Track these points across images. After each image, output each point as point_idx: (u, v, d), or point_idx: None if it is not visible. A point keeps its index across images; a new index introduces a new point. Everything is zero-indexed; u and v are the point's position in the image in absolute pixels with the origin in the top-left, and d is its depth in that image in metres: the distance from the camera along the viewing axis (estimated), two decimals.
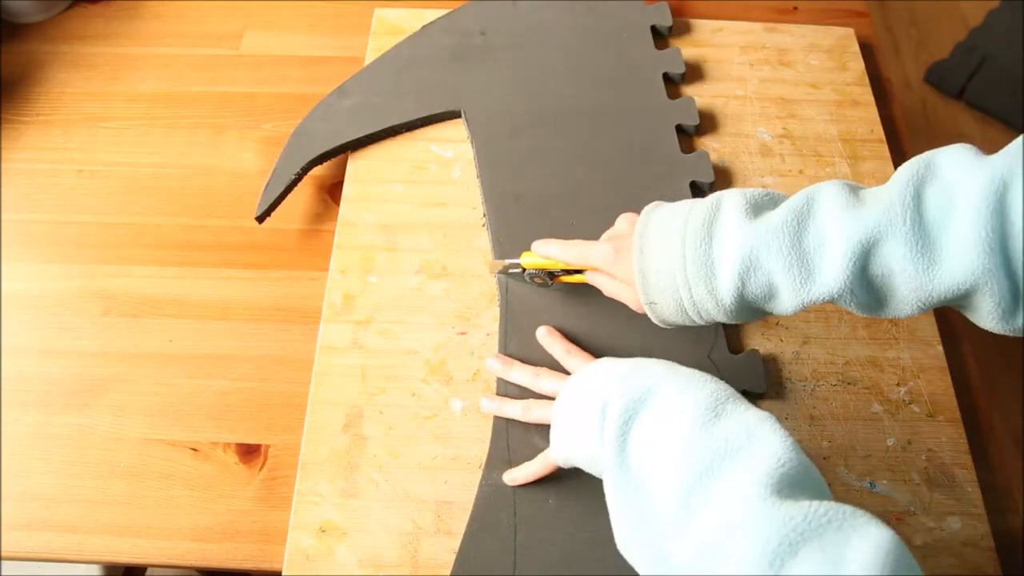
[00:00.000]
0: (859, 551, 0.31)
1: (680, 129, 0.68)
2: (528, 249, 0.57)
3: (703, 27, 0.76)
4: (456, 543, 0.50)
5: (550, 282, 0.58)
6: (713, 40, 0.75)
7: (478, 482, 0.52)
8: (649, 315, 0.50)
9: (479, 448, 0.54)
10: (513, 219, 0.62)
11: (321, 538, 0.51)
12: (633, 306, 0.52)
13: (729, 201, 0.45)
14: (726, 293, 0.44)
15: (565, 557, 0.50)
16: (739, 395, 0.41)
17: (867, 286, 0.41)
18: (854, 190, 0.43)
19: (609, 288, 0.53)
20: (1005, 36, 1.52)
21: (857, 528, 0.32)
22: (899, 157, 0.69)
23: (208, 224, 0.66)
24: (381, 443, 0.54)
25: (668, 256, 0.46)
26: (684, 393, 0.40)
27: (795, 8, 0.80)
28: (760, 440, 0.37)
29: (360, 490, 0.52)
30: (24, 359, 0.59)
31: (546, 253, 0.55)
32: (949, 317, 0.62)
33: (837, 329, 0.60)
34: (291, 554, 0.51)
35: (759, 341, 0.59)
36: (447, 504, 0.52)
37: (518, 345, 0.57)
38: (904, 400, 0.57)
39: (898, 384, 0.58)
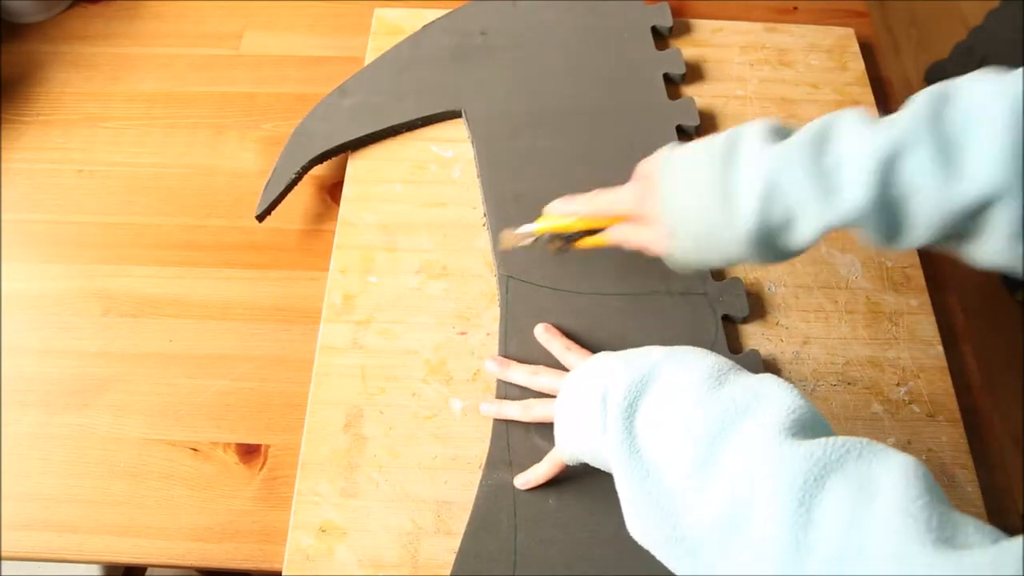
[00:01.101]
0: (886, 476, 0.31)
1: (680, 130, 0.68)
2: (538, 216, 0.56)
3: (703, 27, 0.76)
4: (456, 543, 0.50)
5: (568, 247, 0.56)
6: (713, 40, 0.75)
7: (478, 482, 0.52)
8: (668, 252, 0.48)
9: (479, 448, 0.54)
10: (513, 219, 0.62)
11: (321, 538, 0.51)
12: (656, 249, 0.50)
13: (750, 128, 0.45)
14: (747, 218, 0.43)
15: (565, 557, 0.50)
16: (739, 366, 0.41)
17: (888, 206, 0.40)
18: (873, 117, 0.42)
19: (632, 237, 0.51)
20: (1005, 36, 1.52)
21: (877, 454, 0.33)
22: None
23: (208, 224, 0.66)
24: (381, 443, 0.54)
25: (693, 181, 0.45)
26: (684, 369, 0.40)
27: (795, 8, 0.80)
28: (766, 395, 0.37)
29: (360, 490, 0.52)
30: (24, 359, 0.59)
31: (569, 210, 0.53)
32: (949, 317, 0.62)
33: (837, 329, 0.60)
34: (291, 554, 0.51)
35: (759, 341, 0.59)
36: (447, 504, 0.52)
37: (518, 345, 0.57)
38: (904, 400, 0.57)
39: (898, 384, 0.58)
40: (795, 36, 0.76)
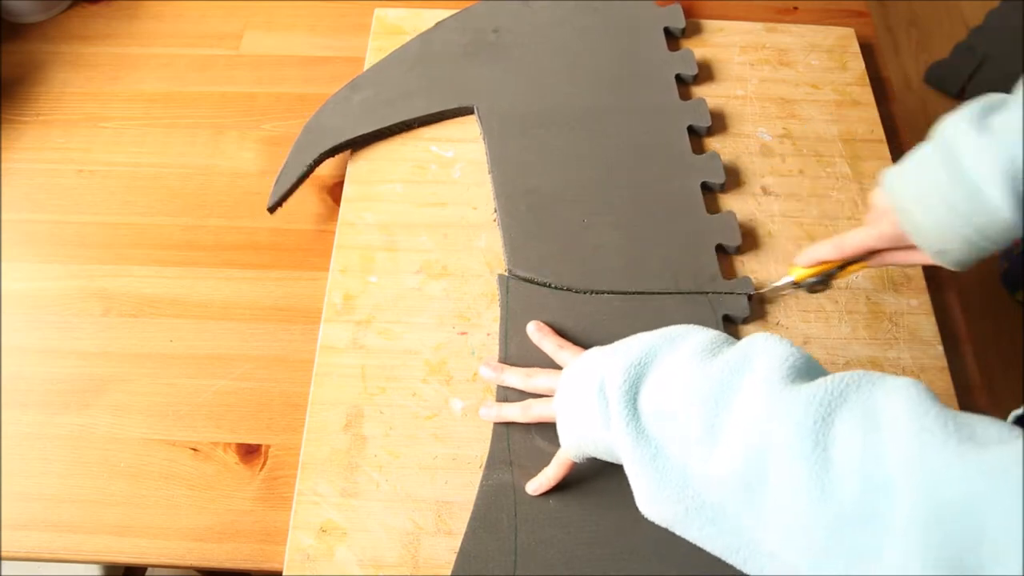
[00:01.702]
0: (890, 399, 0.32)
1: (691, 130, 0.68)
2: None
3: (703, 27, 0.76)
4: (456, 543, 0.50)
5: (831, 284, 0.56)
6: (713, 40, 0.75)
7: (478, 482, 0.52)
8: (945, 264, 0.49)
9: (479, 448, 0.54)
10: (524, 215, 0.62)
11: (321, 538, 0.51)
12: (934, 262, 0.49)
13: (958, 124, 0.45)
14: (1006, 205, 0.43)
15: (566, 557, 0.50)
16: (732, 338, 0.42)
17: None
18: None
19: (902, 259, 0.52)
20: (1005, 36, 1.52)
21: (875, 383, 0.34)
22: (899, 157, 0.69)
23: (208, 224, 0.66)
24: (381, 443, 0.54)
25: (935, 205, 0.46)
26: (679, 347, 0.41)
27: (795, 8, 0.80)
28: (757, 350, 0.38)
29: (360, 490, 0.52)
30: (24, 359, 0.59)
31: (819, 257, 0.54)
32: (949, 317, 0.62)
33: (837, 329, 0.60)
34: (291, 554, 0.51)
35: None
36: (447, 504, 0.52)
37: (518, 346, 0.57)
38: None
39: None
40: (795, 36, 0.76)
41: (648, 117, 0.68)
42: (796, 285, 0.56)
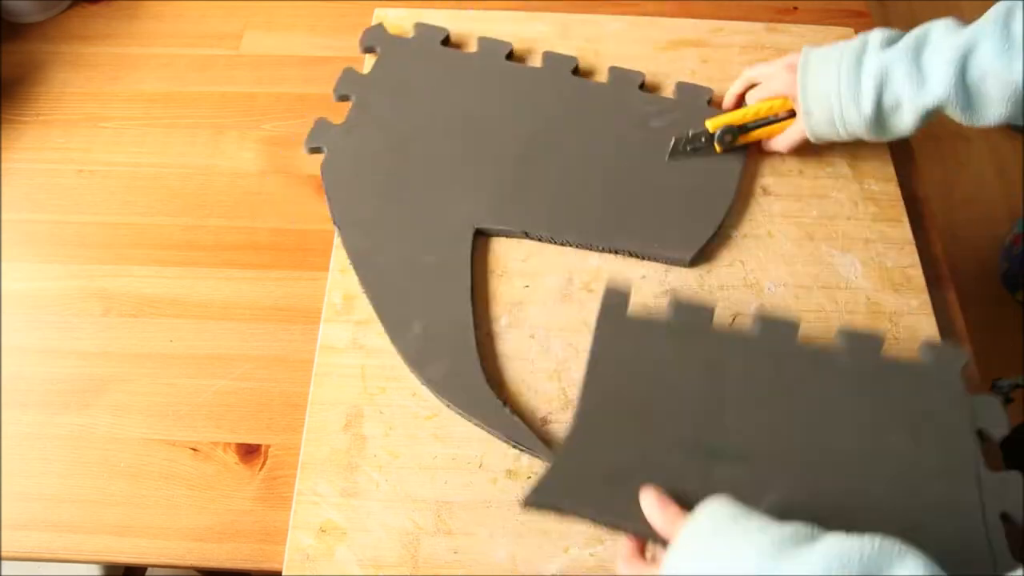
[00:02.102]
0: None
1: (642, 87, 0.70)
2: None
3: (703, 27, 0.76)
4: (456, 543, 0.50)
5: (735, 142, 0.64)
6: (713, 40, 0.75)
7: (478, 482, 0.52)
8: (806, 128, 0.62)
9: (479, 448, 0.54)
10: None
11: (321, 538, 0.51)
12: (798, 131, 0.63)
13: (872, 36, 0.59)
14: (867, 103, 0.57)
15: None
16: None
17: (966, 90, 0.54)
18: (958, 21, 0.56)
19: (792, 134, 0.64)
20: None
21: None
22: (899, 156, 0.69)
23: (208, 224, 0.66)
24: (381, 443, 0.54)
25: (827, 75, 0.59)
26: None
27: (795, 8, 0.80)
28: None
29: (360, 490, 0.52)
30: (24, 359, 0.59)
31: (733, 93, 0.68)
32: (949, 317, 0.62)
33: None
34: (291, 554, 0.51)
35: None
36: (447, 504, 0.52)
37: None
38: None
39: None
40: (795, 36, 0.76)
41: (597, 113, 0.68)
42: (709, 137, 0.64)
